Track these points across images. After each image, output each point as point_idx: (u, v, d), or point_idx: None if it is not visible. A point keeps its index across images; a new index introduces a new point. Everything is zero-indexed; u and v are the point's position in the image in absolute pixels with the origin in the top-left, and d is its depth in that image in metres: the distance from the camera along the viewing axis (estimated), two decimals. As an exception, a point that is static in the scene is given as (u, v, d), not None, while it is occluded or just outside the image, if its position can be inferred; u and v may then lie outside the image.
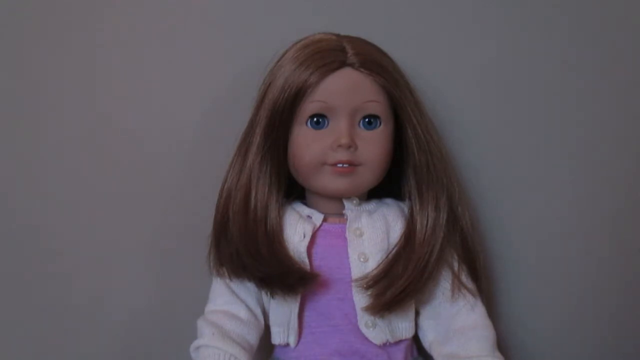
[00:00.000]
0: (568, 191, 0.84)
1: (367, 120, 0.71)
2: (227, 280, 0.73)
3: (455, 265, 0.74)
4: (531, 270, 0.85)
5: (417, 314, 0.75)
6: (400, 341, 0.73)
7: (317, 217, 0.73)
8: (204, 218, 0.74)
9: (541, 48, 0.82)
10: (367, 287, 0.69)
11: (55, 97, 0.80)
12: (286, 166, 0.73)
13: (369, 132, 0.71)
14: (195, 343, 0.70)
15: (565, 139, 0.83)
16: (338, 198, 0.73)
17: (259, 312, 0.74)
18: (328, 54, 0.69)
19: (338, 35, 0.72)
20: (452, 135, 0.81)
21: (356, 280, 0.70)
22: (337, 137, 0.69)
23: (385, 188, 0.75)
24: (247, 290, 0.73)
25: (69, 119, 0.81)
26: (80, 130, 0.81)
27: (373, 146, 0.70)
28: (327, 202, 0.73)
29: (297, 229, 0.72)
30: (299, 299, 0.71)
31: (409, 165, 0.73)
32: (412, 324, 0.74)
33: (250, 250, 0.70)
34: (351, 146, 0.69)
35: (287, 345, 0.73)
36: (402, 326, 0.73)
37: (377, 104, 0.70)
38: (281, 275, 0.69)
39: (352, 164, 0.70)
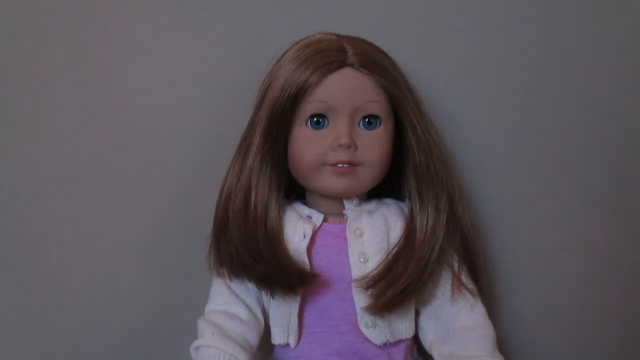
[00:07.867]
0: (568, 191, 0.84)
1: (367, 120, 0.70)
2: (227, 280, 0.73)
3: (455, 265, 0.74)
4: (531, 270, 0.85)
5: (417, 314, 0.75)
6: (400, 341, 0.73)
7: (317, 217, 0.73)
8: (203, 218, 0.74)
9: (542, 48, 0.82)
10: (367, 287, 0.69)
11: (55, 98, 0.80)
12: (286, 166, 0.73)
13: (369, 132, 0.71)
14: (195, 343, 0.70)
15: (565, 139, 0.83)
16: (338, 198, 0.73)
17: (259, 312, 0.73)
18: (328, 54, 0.69)
19: (338, 35, 0.72)
20: (452, 135, 0.81)
21: (356, 280, 0.70)
22: (337, 137, 0.69)
23: (386, 188, 0.75)
24: (247, 290, 0.73)
25: (67, 119, 0.81)
26: (80, 130, 0.81)
27: (373, 146, 0.70)
28: (327, 202, 0.73)
29: (297, 229, 0.72)
30: (299, 299, 0.71)
31: (409, 165, 0.73)
32: (412, 324, 0.74)
33: (250, 250, 0.70)
34: (351, 146, 0.69)
35: (287, 345, 0.73)
36: (402, 326, 0.73)
37: (377, 104, 0.70)
38: (281, 275, 0.69)
39: (352, 164, 0.70)
